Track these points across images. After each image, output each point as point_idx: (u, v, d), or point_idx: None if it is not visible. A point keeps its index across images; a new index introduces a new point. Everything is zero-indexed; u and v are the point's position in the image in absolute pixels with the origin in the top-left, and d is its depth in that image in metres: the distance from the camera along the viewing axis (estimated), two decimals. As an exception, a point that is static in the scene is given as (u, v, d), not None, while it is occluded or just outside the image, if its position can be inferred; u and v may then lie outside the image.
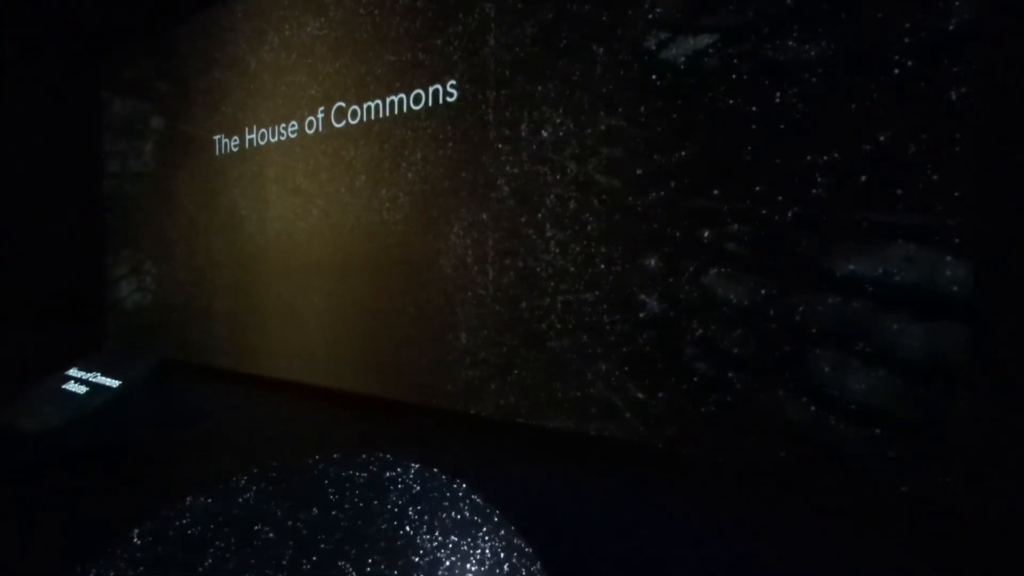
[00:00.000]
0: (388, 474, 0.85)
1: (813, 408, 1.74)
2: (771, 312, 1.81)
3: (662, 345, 2.04)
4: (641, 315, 2.08)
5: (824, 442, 1.72)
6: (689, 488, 1.93)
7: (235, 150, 3.80)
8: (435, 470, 0.92)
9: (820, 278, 1.72)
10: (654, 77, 2.04)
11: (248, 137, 3.71)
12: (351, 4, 3.09)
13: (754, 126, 1.83)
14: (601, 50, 2.16)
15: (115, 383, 2.33)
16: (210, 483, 0.80)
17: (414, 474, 0.86)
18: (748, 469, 1.88)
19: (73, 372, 2.48)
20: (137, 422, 2.38)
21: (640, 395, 2.09)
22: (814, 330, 1.73)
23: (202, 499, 0.75)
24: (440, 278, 2.71)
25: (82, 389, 2.33)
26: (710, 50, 1.91)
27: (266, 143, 3.60)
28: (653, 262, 2.05)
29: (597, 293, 2.19)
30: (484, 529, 0.74)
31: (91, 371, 2.45)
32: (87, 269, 5.09)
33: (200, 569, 0.64)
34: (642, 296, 2.07)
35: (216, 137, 3.92)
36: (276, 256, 3.55)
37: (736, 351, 1.88)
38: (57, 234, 5.05)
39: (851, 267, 1.67)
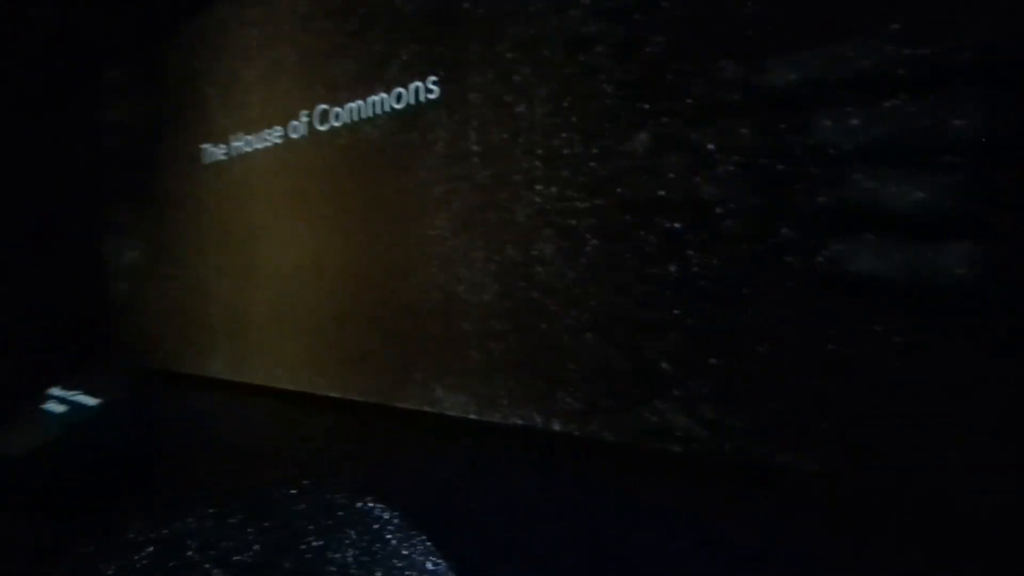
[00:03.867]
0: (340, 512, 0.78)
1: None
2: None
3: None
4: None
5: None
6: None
7: (222, 158, 3.75)
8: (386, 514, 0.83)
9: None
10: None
11: (234, 144, 3.65)
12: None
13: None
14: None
15: (94, 401, 2.27)
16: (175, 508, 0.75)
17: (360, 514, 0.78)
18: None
19: (54, 391, 2.43)
20: (119, 440, 2.32)
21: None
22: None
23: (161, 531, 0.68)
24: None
25: (61, 408, 2.28)
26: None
27: (251, 149, 3.54)
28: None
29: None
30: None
31: (72, 390, 2.39)
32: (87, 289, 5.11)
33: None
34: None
35: (203, 146, 3.88)
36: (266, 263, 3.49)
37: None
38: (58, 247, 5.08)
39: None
